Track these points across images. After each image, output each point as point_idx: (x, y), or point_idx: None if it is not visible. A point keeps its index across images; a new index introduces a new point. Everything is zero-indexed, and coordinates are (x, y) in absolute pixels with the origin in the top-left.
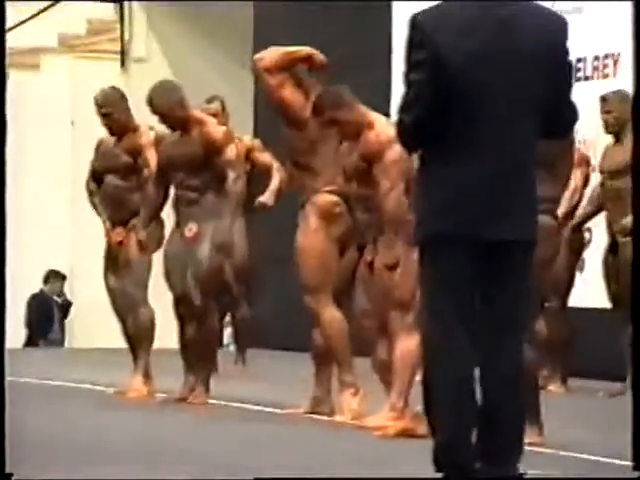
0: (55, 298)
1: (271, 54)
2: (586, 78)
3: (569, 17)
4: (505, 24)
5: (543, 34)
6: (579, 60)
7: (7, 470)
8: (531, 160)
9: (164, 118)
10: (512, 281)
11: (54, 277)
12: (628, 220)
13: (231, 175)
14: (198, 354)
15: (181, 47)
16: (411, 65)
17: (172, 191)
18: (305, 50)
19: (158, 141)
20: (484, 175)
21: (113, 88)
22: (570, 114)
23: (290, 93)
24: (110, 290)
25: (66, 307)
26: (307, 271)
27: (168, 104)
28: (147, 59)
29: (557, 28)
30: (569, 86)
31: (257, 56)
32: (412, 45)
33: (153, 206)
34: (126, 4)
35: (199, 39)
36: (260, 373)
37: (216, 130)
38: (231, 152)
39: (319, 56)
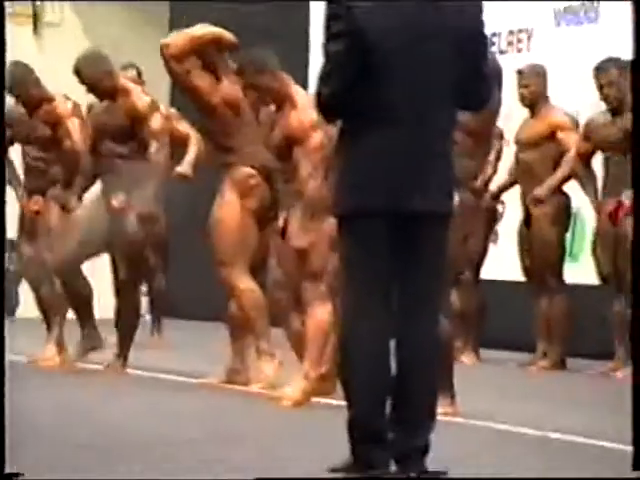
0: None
1: (177, 40)
2: (501, 52)
3: None
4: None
5: (459, 9)
6: (494, 34)
7: (7, 470)
8: (448, 133)
9: (92, 88)
10: (428, 254)
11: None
12: (538, 191)
13: (154, 145)
14: (120, 326)
15: (96, 12)
16: (329, 36)
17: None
18: (213, 33)
19: (87, 110)
20: (401, 147)
21: (16, 65)
22: (485, 88)
23: (198, 79)
24: (24, 258)
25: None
26: (222, 244)
27: (96, 74)
28: (61, 24)
29: (473, 3)
30: (484, 60)
31: (163, 42)
32: (330, 16)
33: (88, 174)
34: None
35: (115, 3)
36: (176, 343)
37: (141, 99)
38: (155, 122)
39: (229, 37)
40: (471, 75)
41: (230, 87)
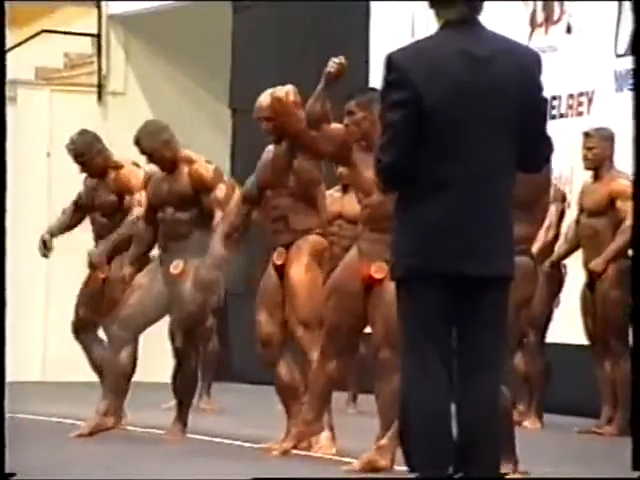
0: None
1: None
2: (561, 115)
3: (544, 55)
4: (479, 62)
5: (517, 70)
6: (554, 98)
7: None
8: (508, 196)
9: (152, 158)
10: (489, 318)
11: None
12: (593, 264)
13: (219, 214)
14: (178, 393)
15: (159, 82)
16: (387, 105)
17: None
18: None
19: (147, 178)
20: (460, 211)
21: (83, 133)
22: (545, 148)
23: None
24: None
25: None
26: (310, 305)
27: (155, 145)
28: (124, 93)
29: (531, 63)
30: (544, 120)
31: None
32: (388, 84)
33: (144, 243)
34: (104, 38)
35: (177, 74)
36: (233, 407)
37: (206, 168)
38: (220, 191)
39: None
40: (532, 134)
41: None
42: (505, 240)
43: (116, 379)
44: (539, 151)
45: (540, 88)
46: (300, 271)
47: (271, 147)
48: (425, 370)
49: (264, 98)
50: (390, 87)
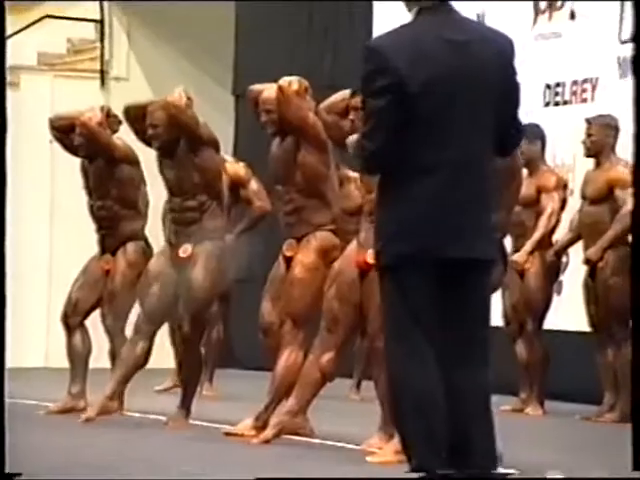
0: None
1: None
2: (565, 102)
3: (548, 42)
4: (458, 47)
5: (494, 55)
6: (557, 84)
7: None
8: (489, 179)
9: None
10: (472, 301)
11: None
12: (589, 253)
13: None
14: (184, 378)
15: (161, 67)
16: (371, 92)
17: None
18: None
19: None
20: (445, 195)
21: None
22: (517, 133)
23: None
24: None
25: None
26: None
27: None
28: (127, 78)
29: (506, 49)
30: (517, 105)
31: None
32: (370, 72)
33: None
34: (107, 24)
35: (180, 60)
36: (236, 394)
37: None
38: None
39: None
40: (507, 119)
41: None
42: (487, 224)
43: (127, 368)
44: (513, 136)
45: (515, 73)
46: (303, 267)
47: (277, 140)
48: (415, 354)
49: (266, 90)
50: (372, 74)
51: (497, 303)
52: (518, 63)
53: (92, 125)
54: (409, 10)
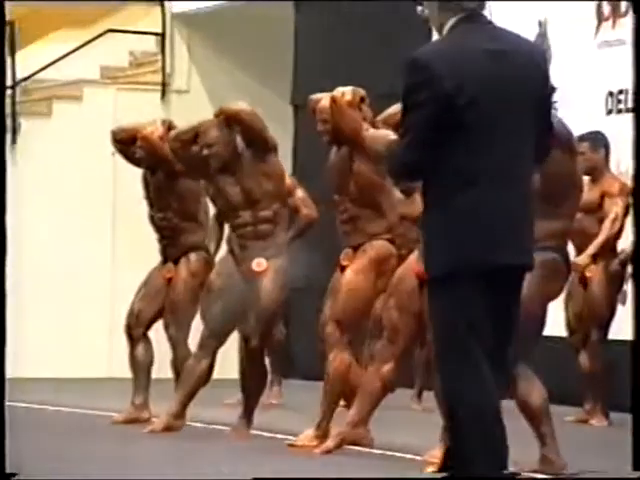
0: None
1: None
2: (627, 110)
3: (612, 49)
4: (498, 57)
5: (530, 64)
6: (620, 92)
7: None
8: (531, 187)
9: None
10: (514, 305)
11: None
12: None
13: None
14: (247, 389)
15: (221, 80)
16: (414, 105)
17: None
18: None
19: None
20: (491, 204)
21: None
22: (551, 141)
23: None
24: None
25: None
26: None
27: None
28: (188, 91)
29: (540, 58)
30: (550, 113)
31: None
32: (414, 85)
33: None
34: (168, 37)
35: (239, 72)
36: (292, 403)
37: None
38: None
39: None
40: (542, 126)
41: None
42: (530, 231)
43: (191, 386)
44: (546, 144)
45: (548, 81)
46: (353, 272)
47: (334, 149)
48: (473, 367)
49: (322, 100)
50: (417, 86)
51: (560, 313)
52: (581, 71)
53: (153, 139)
54: (440, 24)
